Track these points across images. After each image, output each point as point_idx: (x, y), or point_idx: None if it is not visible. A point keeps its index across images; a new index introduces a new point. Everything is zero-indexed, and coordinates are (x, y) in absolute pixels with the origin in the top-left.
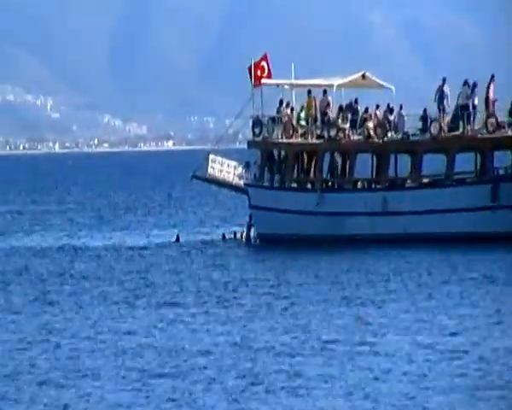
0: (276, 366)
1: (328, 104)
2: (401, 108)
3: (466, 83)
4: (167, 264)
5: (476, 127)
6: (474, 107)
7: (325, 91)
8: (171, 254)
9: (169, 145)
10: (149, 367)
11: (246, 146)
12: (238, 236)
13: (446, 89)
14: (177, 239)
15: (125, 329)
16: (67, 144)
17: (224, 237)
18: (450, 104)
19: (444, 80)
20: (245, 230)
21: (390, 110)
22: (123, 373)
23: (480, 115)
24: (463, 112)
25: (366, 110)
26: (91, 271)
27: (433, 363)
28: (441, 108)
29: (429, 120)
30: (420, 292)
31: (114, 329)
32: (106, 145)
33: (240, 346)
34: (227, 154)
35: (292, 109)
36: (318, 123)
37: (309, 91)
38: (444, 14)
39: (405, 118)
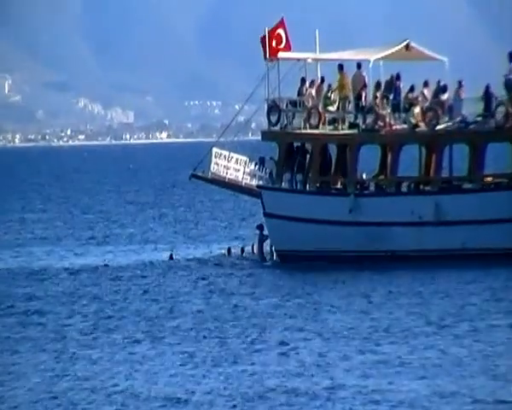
0: None
1: (365, 84)
2: (460, 85)
3: None
4: (153, 289)
5: None
6: None
7: (359, 66)
8: (160, 276)
9: (163, 137)
10: None
11: (260, 137)
12: (247, 251)
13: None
14: (171, 257)
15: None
16: (31, 136)
17: (229, 252)
18: None
19: (510, 55)
20: (256, 244)
21: (442, 89)
22: None
23: None
24: None
25: (411, 89)
26: (63, 295)
27: None
28: (508, 86)
29: (494, 103)
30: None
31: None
32: (81, 137)
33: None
34: (236, 147)
35: (320, 87)
36: (351, 108)
37: (340, 66)
38: None
39: (463, 97)
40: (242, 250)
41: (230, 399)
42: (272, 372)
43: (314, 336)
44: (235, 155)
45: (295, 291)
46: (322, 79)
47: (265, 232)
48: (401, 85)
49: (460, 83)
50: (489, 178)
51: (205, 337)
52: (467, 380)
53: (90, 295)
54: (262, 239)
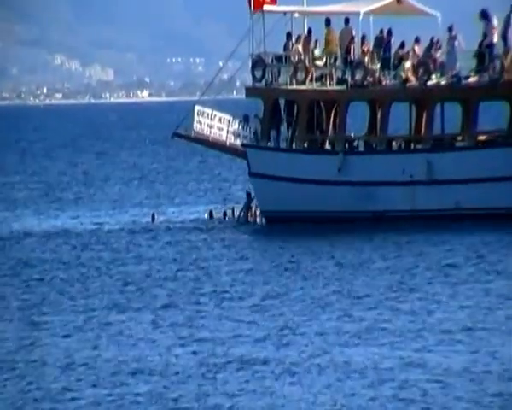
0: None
1: (353, 38)
2: (451, 32)
3: None
4: (135, 252)
5: None
6: None
7: (347, 21)
8: (141, 239)
9: (144, 96)
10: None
11: (244, 95)
12: (229, 214)
13: None
14: (153, 219)
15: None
16: (5, 94)
17: (211, 215)
18: None
19: None
20: (242, 209)
21: (434, 45)
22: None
23: None
24: None
25: (402, 46)
26: (43, 260)
27: None
28: (506, 41)
29: (487, 58)
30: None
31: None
32: (59, 96)
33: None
34: (220, 105)
35: (307, 39)
36: (339, 63)
37: (327, 21)
38: None
39: (459, 46)
40: (225, 214)
41: (197, 367)
42: (242, 341)
43: (283, 304)
44: (219, 114)
45: (272, 257)
46: (310, 31)
47: (253, 197)
48: (392, 41)
49: (450, 29)
50: (483, 136)
51: (168, 307)
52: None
53: (65, 259)
54: (248, 205)
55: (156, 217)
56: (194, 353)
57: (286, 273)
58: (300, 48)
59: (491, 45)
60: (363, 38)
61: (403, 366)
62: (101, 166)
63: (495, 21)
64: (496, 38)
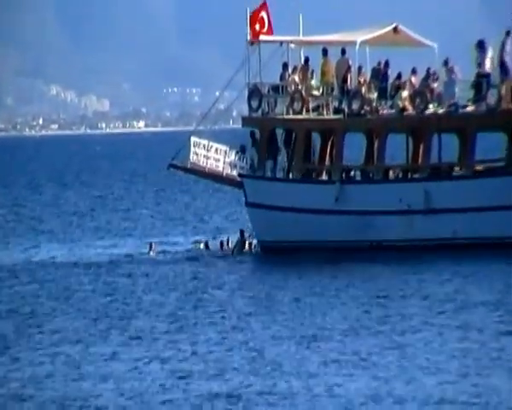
0: None
1: (349, 68)
2: (447, 65)
3: None
4: (133, 283)
5: None
6: None
7: (344, 51)
8: (141, 269)
9: (140, 126)
10: None
11: (241, 125)
12: (226, 246)
13: (508, 43)
14: (150, 249)
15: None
16: (0, 125)
17: (206, 246)
18: None
19: (508, 33)
20: (235, 244)
21: (431, 76)
22: None
23: None
24: None
25: (399, 76)
26: (39, 292)
27: None
28: (503, 69)
29: (485, 87)
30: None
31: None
32: (54, 127)
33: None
34: (216, 136)
35: (305, 68)
36: (336, 93)
37: (324, 51)
38: None
39: (456, 77)
40: (221, 244)
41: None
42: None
43: (275, 336)
44: (215, 145)
45: (268, 287)
46: (307, 60)
47: (245, 236)
48: (389, 72)
49: (446, 62)
50: (480, 166)
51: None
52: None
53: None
54: (242, 241)
55: (153, 247)
56: (187, 384)
57: (281, 305)
58: (297, 78)
59: (488, 75)
60: (360, 69)
61: (397, 398)
62: (92, 198)
63: (490, 52)
64: (490, 68)
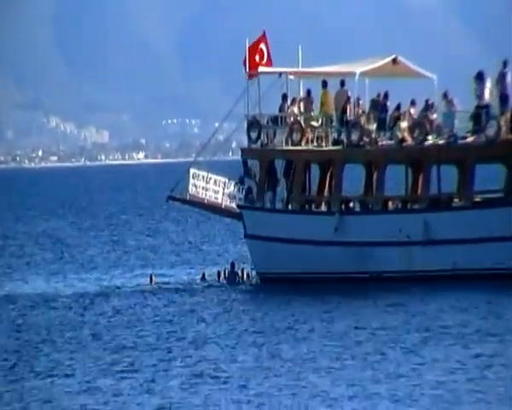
0: None
1: (348, 98)
2: (447, 98)
3: None
4: (133, 312)
5: None
6: None
7: (343, 83)
8: (141, 299)
9: (140, 158)
10: None
11: (240, 156)
12: (222, 276)
13: (509, 75)
14: (151, 281)
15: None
16: (0, 157)
17: (203, 277)
18: None
19: (505, 63)
20: (227, 275)
21: (429, 107)
22: None
23: None
24: None
25: (398, 108)
26: (41, 324)
27: None
28: (502, 101)
29: (484, 118)
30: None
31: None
32: (54, 159)
33: None
34: (215, 167)
35: (308, 99)
36: (335, 124)
37: (324, 83)
38: None
39: (455, 109)
40: (219, 274)
41: None
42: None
43: (274, 367)
44: (214, 176)
45: (266, 318)
46: (309, 92)
47: (236, 268)
48: (388, 104)
49: (445, 95)
50: (479, 197)
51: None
52: None
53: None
54: (232, 272)
55: (154, 279)
56: None
57: (279, 335)
58: (296, 109)
59: (487, 106)
60: (359, 100)
61: None
62: (88, 230)
63: (488, 83)
64: (489, 99)
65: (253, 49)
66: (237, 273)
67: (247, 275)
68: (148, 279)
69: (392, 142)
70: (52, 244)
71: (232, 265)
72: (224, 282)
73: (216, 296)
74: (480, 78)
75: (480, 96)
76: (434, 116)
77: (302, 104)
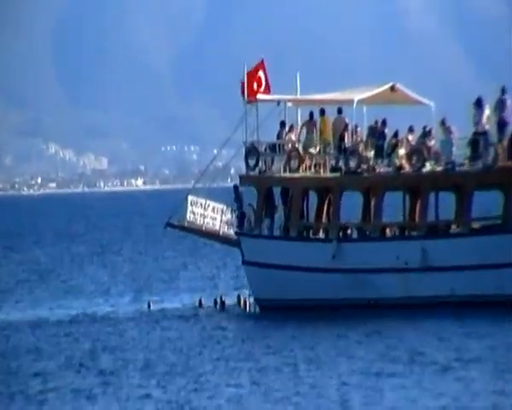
0: None
1: (346, 126)
2: (444, 125)
3: None
4: (132, 339)
5: None
6: None
7: (340, 110)
8: (139, 326)
9: (138, 184)
10: None
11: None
12: (219, 302)
13: (508, 102)
14: (149, 307)
15: None
16: None
17: (200, 304)
18: None
19: (503, 90)
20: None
21: (427, 134)
22: None
23: None
24: None
25: (395, 135)
26: (31, 349)
27: None
28: (501, 128)
29: (482, 145)
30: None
31: None
32: (53, 185)
33: None
34: (214, 193)
35: (311, 123)
36: (333, 151)
37: (322, 111)
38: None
39: (453, 137)
40: (215, 302)
41: None
42: None
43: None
44: (212, 203)
45: (259, 346)
46: (312, 115)
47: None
48: (386, 131)
49: (443, 122)
50: (476, 224)
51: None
52: None
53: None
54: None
55: (152, 305)
56: None
57: (272, 361)
58: (294, 136)
59: (485, 133)
60: (356, 128)
61: None
62: (87, 256)
63: (487, 110)
64: (487, 125)
65: (252, 76)
66: (223, 302)
67: (245, 302)
68: (146, 305)
69: (389, 169)
70: (45, 271)
71: (221, 298)
72: (218, 309)
73: (208, 323)
74: (478, 104)
75: (478, 122)
76: (432, 143)
77: (304, 128)
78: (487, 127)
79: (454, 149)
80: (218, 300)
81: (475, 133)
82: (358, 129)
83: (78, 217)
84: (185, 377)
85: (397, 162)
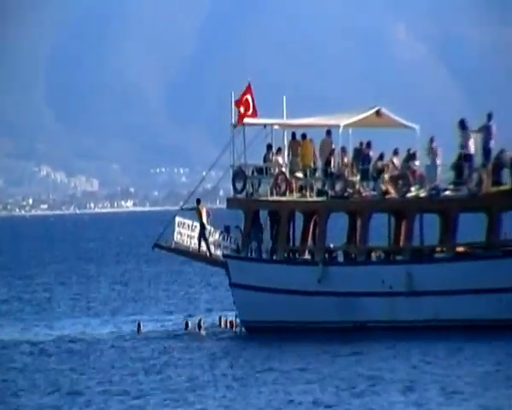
0: None
1: (333, 150)
2: (431, 143)
3: None
4: (120, 360)
5: None
6: None
7: (329, 132)
8: (128, 347)
9: (128, 206)
10: None
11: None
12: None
13: (493, 128)
14: (138, 329)
15: None
16: None
17: (186, 325)
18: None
19: (489, 116)
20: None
21: (411, 157)
22: None
23: None
24: None
25: (381, 157)
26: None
27: None
28: (486, 153)
29: (466, 171)
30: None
31: None
32: (44, 207)
33: None
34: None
35: (296, 145)
36: (319, 174)
37: (303, 136)
38: (492, 28)
39: (438, 158)
40: (199, 326)
41: None
42: None
43: None
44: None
45: (245, 367)
46: (294, 135)
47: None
48: (371, 153)
49: (432, 140)
50: (461, 248)
51: None
52: None
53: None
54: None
55: (142, 327)
56: None
57: (257, 383)
58: (280, 159)
59: (469, 157)
60: (344, 150)
61: None
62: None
63: (472, 133)
64: (473, 149)
65: (239, 101)
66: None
67: (230, 323)
68: (136, 327)
69: (375, 193)
70: (34, 292)
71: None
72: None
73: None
74: (462, 126)
75: (464, 145)
76: (417, 164)
77: (288, 149)
78: (472, 150)
79: (439, 171)
80: (202, 322)
81: (459, 157)
82: (345, 153)
83: (70, 239)
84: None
85: (382, 187)
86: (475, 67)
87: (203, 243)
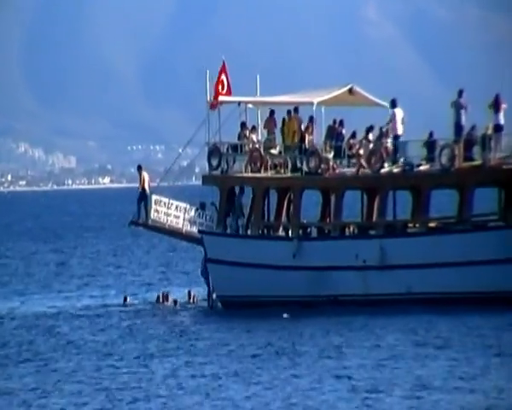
0: None
1: (307, 127)
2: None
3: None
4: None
5: (501, 155)
6: (500, 128)
7: (296, 109)
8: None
9: (105, 182)
10: None
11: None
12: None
13: (464, 104)
14: (125, 301)
15: None
16: None
17: (163, 299)
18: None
19: (460, 93)
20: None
21: (383, 134)
22: None
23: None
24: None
25: (353, 135)
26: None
27: None
28: (457, 130)
29: (438, 147)
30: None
31: None
32: (23, 183)
33: None
34: (178, 192)
35: (272, 121)
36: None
37: (289, 111)
38: (462, 5)
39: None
40: (175, 302)
41: None
42: None
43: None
44: (175, 202)
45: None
46: (272, 112)
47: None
48: (343, 131)
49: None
50: (433, 223)
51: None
52: None
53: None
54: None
55: (128, 299)
56: None
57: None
58: (255, 137)
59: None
60: (311, 120)
61: None
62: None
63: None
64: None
65: (217, 82)
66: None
67: (194, 298)
68: (123, 300)
69: (349, 169)
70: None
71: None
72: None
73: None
74: (392, 105)
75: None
76: (389, 143)
77: (265, 125)
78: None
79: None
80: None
81: (431, 134)
82: (314, 124)
83: (47, 214)
84: None
85: (356, 164)
86: (441, 44)
87: (142, 207)
